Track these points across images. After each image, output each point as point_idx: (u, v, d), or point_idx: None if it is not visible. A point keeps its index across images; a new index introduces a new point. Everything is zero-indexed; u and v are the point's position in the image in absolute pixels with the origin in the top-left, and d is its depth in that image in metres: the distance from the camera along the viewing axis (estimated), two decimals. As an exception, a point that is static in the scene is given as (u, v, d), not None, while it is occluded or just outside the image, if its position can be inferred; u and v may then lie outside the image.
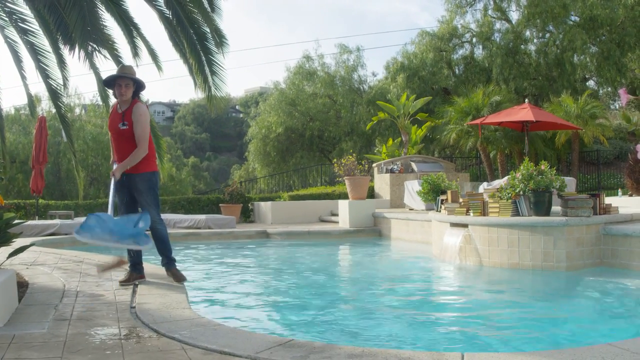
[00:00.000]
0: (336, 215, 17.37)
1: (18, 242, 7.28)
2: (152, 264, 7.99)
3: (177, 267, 7.05)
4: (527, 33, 29.93)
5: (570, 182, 12.70)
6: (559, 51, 27.40)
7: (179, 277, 6.87)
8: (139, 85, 6.84)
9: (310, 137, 34.22)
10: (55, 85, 10.59)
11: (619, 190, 18.85)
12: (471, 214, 9.73)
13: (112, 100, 10.91)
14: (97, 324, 4.62)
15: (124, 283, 6.64)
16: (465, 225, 9.62)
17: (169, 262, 6.98)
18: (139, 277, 6.84)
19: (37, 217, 17.39)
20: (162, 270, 7.29)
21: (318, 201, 20.33)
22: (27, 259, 8.92)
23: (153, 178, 6.79)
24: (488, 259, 9.12)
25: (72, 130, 14.14)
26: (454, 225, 9.95)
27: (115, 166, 6.73)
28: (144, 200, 6.73)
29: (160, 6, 9.93)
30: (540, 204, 8.93)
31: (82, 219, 16.02)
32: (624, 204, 11.95)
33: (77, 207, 19.21)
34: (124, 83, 6.65)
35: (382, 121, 27.16)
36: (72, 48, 9.63)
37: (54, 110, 11.53)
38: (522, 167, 9.16)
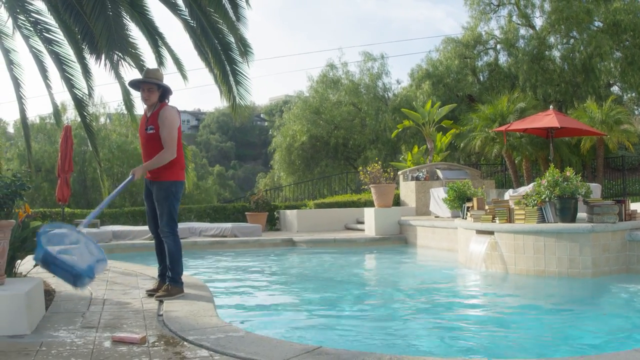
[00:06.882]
0: (362, 223, 17.39)
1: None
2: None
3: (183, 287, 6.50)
4: (552, 39, 29.77)
5: (596, 189, 12.65)
6: (586, 57, 27.21)
7: (170, 294, 6.29)
8: (165, 90, 6.55)
9: (335, 145, 34.21)
10: (81, 95, 10.73)
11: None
12: (497, 221, 9.74)
13: (139, 109, 11.02)
14: (125, 332, 4.65)
15: (151, 292, 6.48)
16: (491, 233, 9.63)
17: (170, 280, 6.44)
18: None
19: (63, 226, 17.51)
20: (190, 279, 7.30)
21: (344, 209, 20.33)
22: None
23: (172, 188, 6.45)
24: (514, 266, 9.12)
25: (97, 139, 14.34)
26: (479, 232, 9.97)
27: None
28: (159, 209, 6.45)
29: (185, 16, 10.05)
30: (566, 210, 8.93)
31: (109, 228, 16.28)
32: (650, 210, 11.88)
33: (103, 216, 19.36)
34: (147, 88, 6.45)
35: (407, 129, 27.11)
36: (97, 57, 9.78)
37: (79, 119, 11.70)
38: (547, 174, 9.17)
